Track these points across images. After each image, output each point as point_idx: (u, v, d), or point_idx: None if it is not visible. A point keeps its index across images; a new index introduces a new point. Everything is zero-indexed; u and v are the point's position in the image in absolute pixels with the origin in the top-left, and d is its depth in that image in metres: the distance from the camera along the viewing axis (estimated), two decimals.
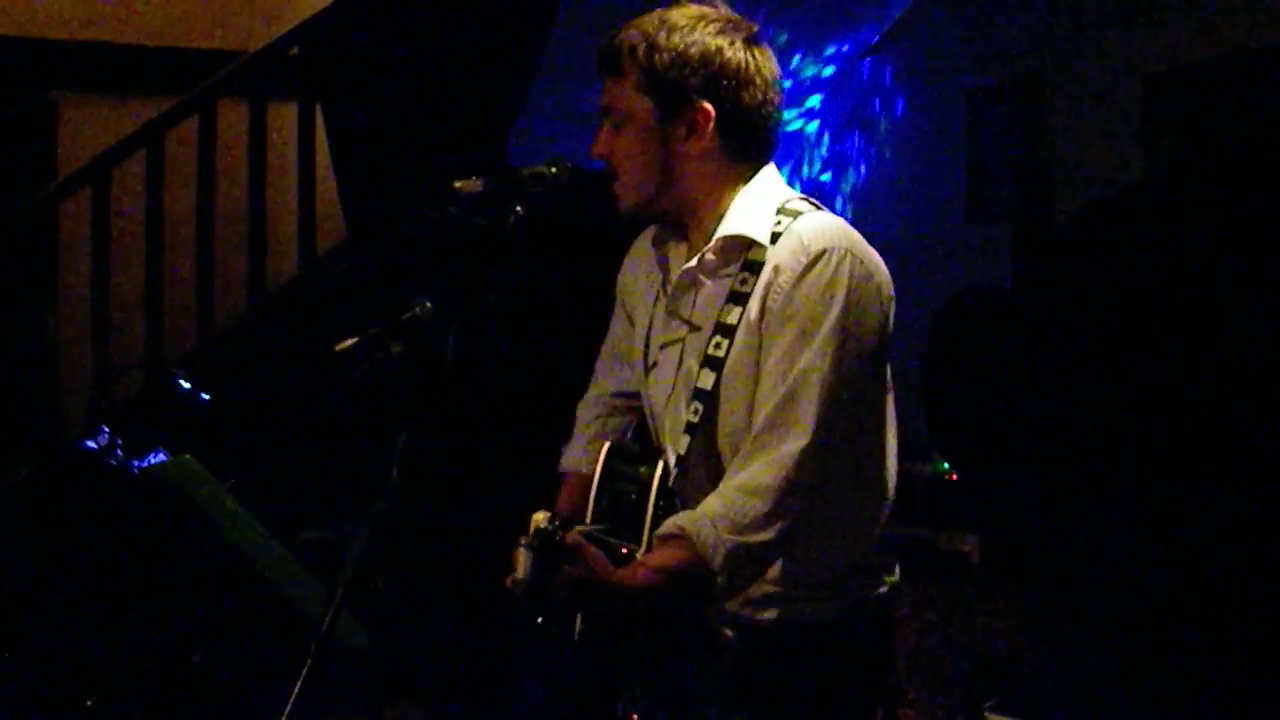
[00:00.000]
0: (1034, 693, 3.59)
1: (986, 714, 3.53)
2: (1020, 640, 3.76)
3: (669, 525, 1.92)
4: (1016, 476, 4.01)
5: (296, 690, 1.80)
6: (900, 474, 2.14)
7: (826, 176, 6.30)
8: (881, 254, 2.03)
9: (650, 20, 2.05)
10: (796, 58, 5.85)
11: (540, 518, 1.86)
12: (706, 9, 2.07)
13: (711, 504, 1.92)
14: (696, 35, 2.02)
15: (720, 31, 2.03)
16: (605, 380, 2.39)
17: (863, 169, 6.16)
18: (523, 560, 1.84)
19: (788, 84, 5.85)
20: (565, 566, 1.83)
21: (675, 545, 1.90)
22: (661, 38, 2.02)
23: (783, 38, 5.66)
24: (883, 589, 2.12)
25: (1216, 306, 3.54)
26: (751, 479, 1.92)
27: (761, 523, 1.90)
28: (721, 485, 1.95)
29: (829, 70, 6.05)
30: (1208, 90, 4.40)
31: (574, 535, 1.87)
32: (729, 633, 2.01)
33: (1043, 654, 3.69)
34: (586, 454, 2.32)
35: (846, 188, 6.23)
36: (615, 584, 1.87)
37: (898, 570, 2.16)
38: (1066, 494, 3.83)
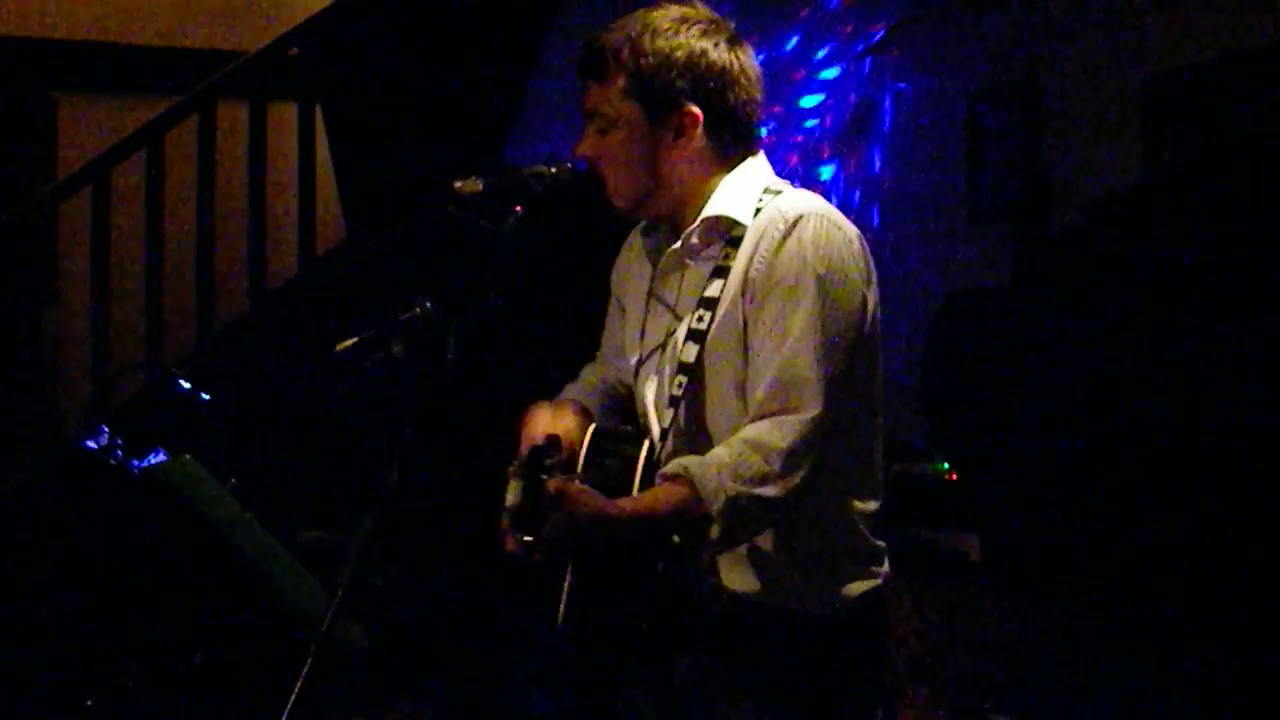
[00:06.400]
0: (1034, 693, 3.60)
1: (986, 714, 3.53)
2: (1020, 640, 3.76)
3: (673, 466, 1.95)
4: (1017, 476, 4.01)
5: (296, 690, 1.81)
6: (900, 474, 2.13)
7: (827, 176, 6.30)
8: (882, 254, 2.04)
9: (633, 23, 2.05)
10: (822, 51, 5.84)
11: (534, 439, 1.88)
12: (688, 10, 2.07)
13: (718, 453, 1.94)
14: (681, 38, 2.03)
15: (704, 33, 2.05)
16: (608, 365, 2.37)
17: (863, 169, 6.16)
18: (512, 488, 1.86)
19: (833, 72, 5.86)
20: (551, 483, 1.84)
21: (677, 484, 1.92)
22: (646, 41, 2.03)
23: (792, 41, 5.66)
24: (875, 581, 2.10)
25: (1217, 306, 3.54)
26: (761, 437, 1.93)
27: (767, 478, 1.91)
28: (729, 439, 1.96)
29: (832, 72, 6.06)
30: (1208, 90, 4.40)
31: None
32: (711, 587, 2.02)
33: (1043, 654, 3.69)
34: (584, 391, 2.30)
35: (846, 187, 6.23)
36: (608, 510, 1.90)
37: (887, 562, 2.13)
38: (1067, 494, 3.82)
